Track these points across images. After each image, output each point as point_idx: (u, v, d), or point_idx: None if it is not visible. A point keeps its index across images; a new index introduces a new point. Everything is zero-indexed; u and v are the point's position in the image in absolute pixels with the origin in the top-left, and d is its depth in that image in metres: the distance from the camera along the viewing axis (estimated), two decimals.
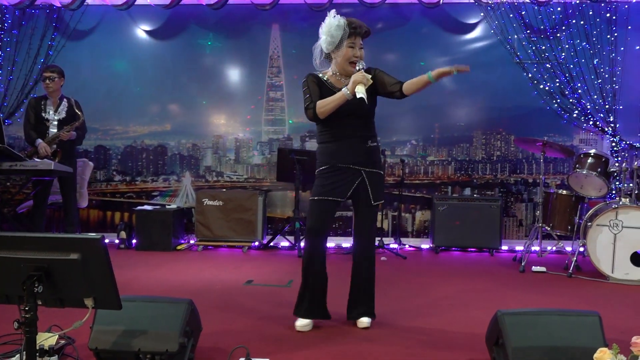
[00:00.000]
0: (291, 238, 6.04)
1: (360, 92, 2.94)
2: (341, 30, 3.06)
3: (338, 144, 3.15)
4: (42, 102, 5.16)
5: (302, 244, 5.73)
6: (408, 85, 3.08)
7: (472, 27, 6.31)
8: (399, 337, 3.08)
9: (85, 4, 6.16)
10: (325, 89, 3.15)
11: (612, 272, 4.60)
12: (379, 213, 6.27)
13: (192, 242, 6.18)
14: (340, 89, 3.08)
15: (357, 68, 3.04)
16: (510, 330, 2.44)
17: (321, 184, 3.18)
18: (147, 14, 6.45)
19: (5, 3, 6.31)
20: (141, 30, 6.53)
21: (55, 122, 5.13)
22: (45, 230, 5.35)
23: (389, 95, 3.17)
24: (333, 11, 3.10)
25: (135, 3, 6.12)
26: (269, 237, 6.13)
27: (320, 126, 3.22)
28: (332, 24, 3.06)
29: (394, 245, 6.05)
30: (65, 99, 5.21)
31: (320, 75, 3.22)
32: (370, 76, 3.02)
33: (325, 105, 3.06)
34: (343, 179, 3.15)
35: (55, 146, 5.05)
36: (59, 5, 6.25)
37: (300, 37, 6.36)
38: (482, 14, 6.20)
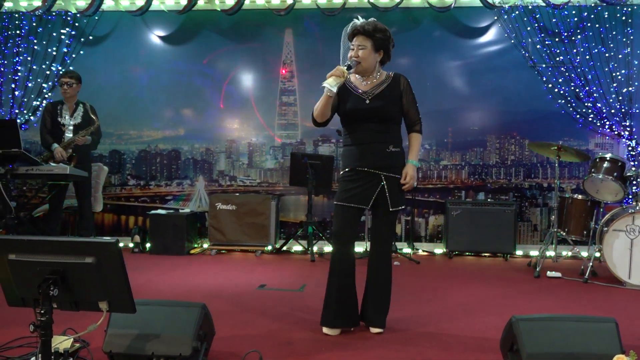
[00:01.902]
0: (304, 242, 6.04)
1: (327, 83, 2.96)
2: (346, 36, 3.26)
3: (360, 147, 3.18)
4: (58, 107, 5.23)
5: (315, 248, 5.79)
6: (409, 139, 3.29)
7: (484, 30, 6.27)
8: (412, 342, 3.07)
9: (100, 10, 6.23)
10: (347, 90, 3.21)
11: (629, 278, 4.54)
12: None
13: (205, 246, 6.20)
14: (359, 89, 3.20)
15: (345, 63, 3.08)
16: (525, 336, 2.42)
17: (344, 188, 3.22)
18: (160, 20, 6.50)
19: (22, 10, 6.39)
20: (155, 36, 6.59)
21: (71, 127, 5.20)
22: (60, 234, 5.40)
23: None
24: (358, 17, 3.26)
25: (149, 9, 6.18)
26: (281, 242, 6.14)
27: (344, 130, 3.28)
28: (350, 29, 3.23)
29: (407, 250, 6.03)
30: (81, 104, 5.27)
31: (347, 78, 3.24)
32: (344, 68, 3.01)
33: (316, 108, 3.15)
34: (365, 184, 3.17)
35: (70, 151, 5.12)
36: (75, 11, 6.33)
37: (314, 42, 6.38)
38: (495, 17, 6.16)
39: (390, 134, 3.20)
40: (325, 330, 3.18)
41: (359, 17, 3.27)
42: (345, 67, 3.03)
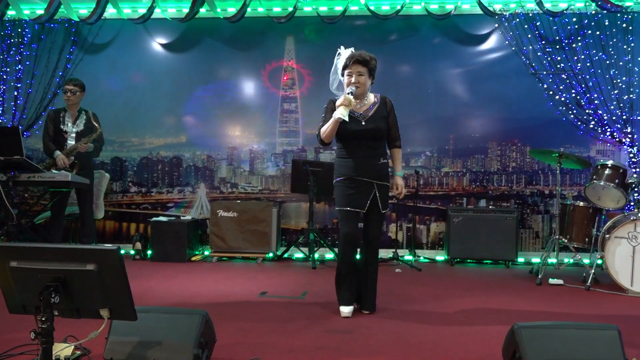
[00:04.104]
0: (305, 249, 6.04)
1: (339, 113, 3.43)
2: (341, 63, 3.65)
3: (355, 160, 3.66)
4: (61, 115, 5.25)
5: (316, 255, 5.79)
6: (391, 154, 3.83)
7: (485, 37, 6.29)
8: (413, 350, 3.06)
9: (102, 18, 6.26)
10: None
11: (631, 285, 4.53)
12: (394, 224, 6.26)
13: (206, 253, 6.19)
14: (355, 112, 3.64)
15: (347, 92, 3.55)
16: (527, 344, 2.41)
17: (343, 194, 3.69)
18: (162, 28, 6.53)
19: (25, 18, 6.43)
20: (157, 44, 6.62)
21: (73, 134, 5.22)
22: (62, 241, 5.40)
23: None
24: (342, 47, 3.68)
25: (151, 17, 6.20)
26: (283, 249, 6.13)
27: (340, 144, 3.73)
28: (340, 57, 3.67)
29: (408, 257, 6.02)
30: (83, 112, 5.29)
31: (337, 100, 3.65)
32: (351, 97, 3.51)
33: (324, 130, 3.62)
34: (360, 191, 3.66)
35: (73, 158, 5.13)
36: (78, 19, 6.36)
37: (315, 49, 6.40)
38: (496, 24, 6.18)
39: (380, 149, 3.72)
40: (342, 309, 3.71)
41: (343, 47, 3.68)
42: (349, 94, 3.51)
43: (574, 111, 6.06)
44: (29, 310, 2.18)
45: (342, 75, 3.68)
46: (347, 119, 3.44)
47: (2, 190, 4.69)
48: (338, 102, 3.53)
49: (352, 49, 3.66)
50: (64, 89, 5.25)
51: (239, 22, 6.18)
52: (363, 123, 3.62)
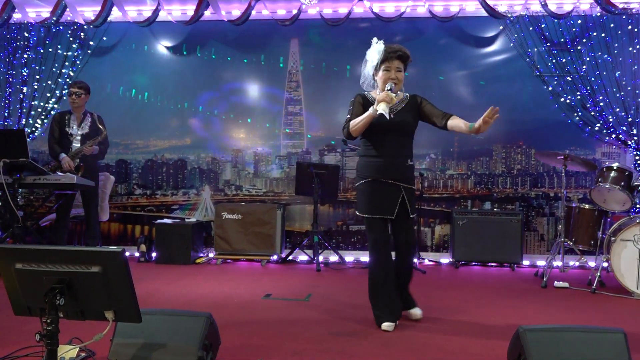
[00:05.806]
0: (310, 252, 6.03)
1: (381, 109, 3.24)
2: (378, 55, 3.44)
3: (382, 160, 3.47)
4: (66, 117, 5.27)
5: (321, 258, 5.78)
6: (452, 124, 3.43)
7: (490, 40, 6.29)
8: (418, 352, 3.05)
9: (107, 21, 6.29)
10: (372, 105, 3.38)
11: (637, 288, 4.50)
12: None
13: (211, 255, 6.20)
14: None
15: (387, 88, 3.36)
16: (532, 347, 2.40)
17: (368, 200, 3.49)
18: (167, 30, 6.56)
19: (30, 21, 6.46)
20: (162, 46, 6.64)
21: (79, 137, 5.23)
22: (67, 243, 5.42)
23: (432, 124, 3.57)
24: (375, 39, 3.48)
25: (156, 19, 6.23)
26: (287, 251, 6.13)
27: (366, 141, 3.54)
28: (372, 49, 3.47)
29: (413, 260, 6.00)
30: (88, 114, 5.31)
31: (368, 95, 3.57)
32: (394, 95, 3.32)
33: (356, 123, 3.40)
34: (386, 195, 3.46)
35: (78, 160, 5.14)
36: (83, 22, 6.39)
37: (319, 52, 6.41)
38: (501, 27, 6.18)
39: (407, 149, 3.54)
40: (385, 326, 3.41)
41: (376, 39, 3.49)
42: (389, 90, 3.33)
43: (579, 113, 6.04)
44: (34, 312, 2.18)
45: (377, 68, 3.49)
46: (387, 115, 3.25)
47: (7, 193, 4.71)
48: (379, 97, 3.30)
49: (382, 41, 3.48)
50: (69, 91, 5.27)
51: (244, 25, 6.20)
52: (391, 116, 3.38)
